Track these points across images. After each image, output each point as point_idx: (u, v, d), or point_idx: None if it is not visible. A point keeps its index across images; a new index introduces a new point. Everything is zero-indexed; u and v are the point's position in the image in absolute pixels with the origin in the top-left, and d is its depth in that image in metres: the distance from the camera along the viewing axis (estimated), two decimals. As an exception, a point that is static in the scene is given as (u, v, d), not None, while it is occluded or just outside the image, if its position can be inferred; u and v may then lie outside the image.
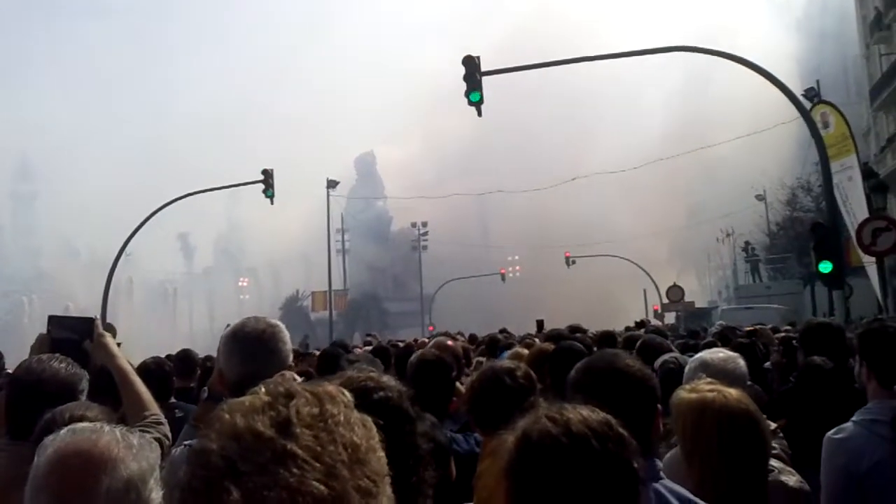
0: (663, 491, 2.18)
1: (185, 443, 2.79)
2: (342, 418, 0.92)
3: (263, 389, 0.96)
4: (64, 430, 1.75)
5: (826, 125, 20.55)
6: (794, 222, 47.83)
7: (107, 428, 1.76)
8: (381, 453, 0.95)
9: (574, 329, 9.47)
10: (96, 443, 1.69)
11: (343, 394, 0.98)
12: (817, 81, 31.97)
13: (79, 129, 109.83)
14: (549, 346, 5.64)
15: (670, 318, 39.26)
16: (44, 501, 1.65)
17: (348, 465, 0.87)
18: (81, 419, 2.17)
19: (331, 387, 0.99)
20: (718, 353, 3.53)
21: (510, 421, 1.79)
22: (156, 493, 1.73)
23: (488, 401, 3.40)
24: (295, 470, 0.83)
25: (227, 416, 0.91)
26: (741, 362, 3.49)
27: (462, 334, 15.60)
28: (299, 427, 0.88)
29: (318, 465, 0.85)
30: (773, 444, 3.20)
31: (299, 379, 1.76)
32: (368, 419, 0.97)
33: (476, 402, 3.51)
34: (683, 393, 2.62)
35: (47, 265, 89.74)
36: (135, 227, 28.62)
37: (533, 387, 3.44)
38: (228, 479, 0.83)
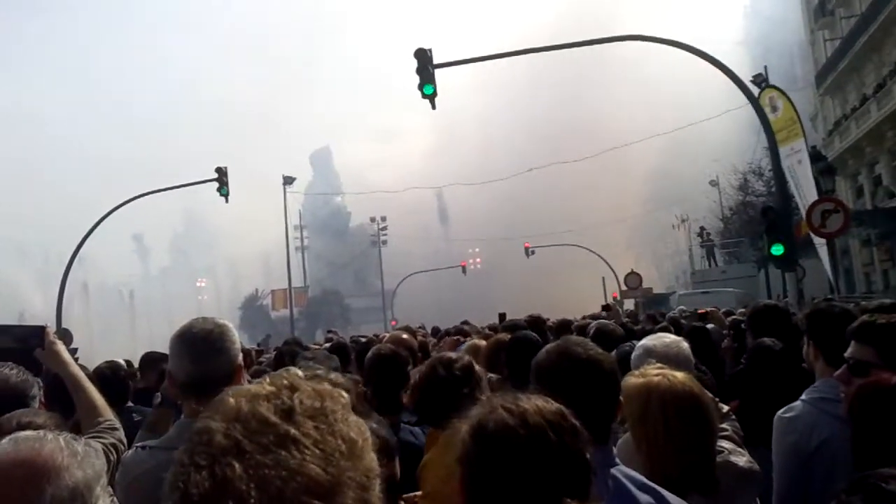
0: (620, 476, 2.20)
1: (137, 445, 2.77)
2: (340, 415, 0.96)
3: (268, 380, 1.00)
4: (6, 440, 1.72)
5: (774, 109, 20.86)
6: (747, 207, 48.67)
7: (50, 436, 1.72)
8: (373, 454, 0.98)
9: (533, 319, 9.52)
10: (39, 451, 1.66)
11: (342, 395, 1.01)
12: (765, 67, 32.41)
13: (28, 130, 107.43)
14: (506, 336, 5.68)
15: (629, 304, 39.71)
16: None
17: (346, 456, 0.90)
18: (29, 426, 2.14)
19: (331, 387, 1.02)
20: (663, 339, 3.58)
21: (449, 412, 1.80)
22: (102, 501, 1.72)
23: (427, 394, 3.42)
24: (296, 453, 0.86)
25: (231, 400, 0.94)
26: (685, 345, 3.54)
27: (424, 327, 15.61)
28: (302, 416, 0.92)
29: (318, 451, 0.88)
30: (725, 426, 3.27)
31: (251, 379, 1.76)
32: (363, 422, 1.00)
33: (418, 396, 3.53)
34: (632, 378, 2.66)
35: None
36: (87, 229, 28.11)
37: (470, 378, 3.42)
38: (232, 456, 0.85)
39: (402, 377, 4.23)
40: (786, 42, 62.84)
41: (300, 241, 65.83)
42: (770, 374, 4.51)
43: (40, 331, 3.38)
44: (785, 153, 19.84)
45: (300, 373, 1.06)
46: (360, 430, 0.98)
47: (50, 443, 1.69)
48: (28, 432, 1.76)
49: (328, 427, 0.92)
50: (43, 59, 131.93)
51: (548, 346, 2.57)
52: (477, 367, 3.53)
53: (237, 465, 0.84)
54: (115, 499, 3.06)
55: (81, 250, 28.93)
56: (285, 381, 0.99)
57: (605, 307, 19.17)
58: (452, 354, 3.75)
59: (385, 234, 70.63)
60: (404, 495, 2.79)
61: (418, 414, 3.61)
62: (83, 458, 1.70)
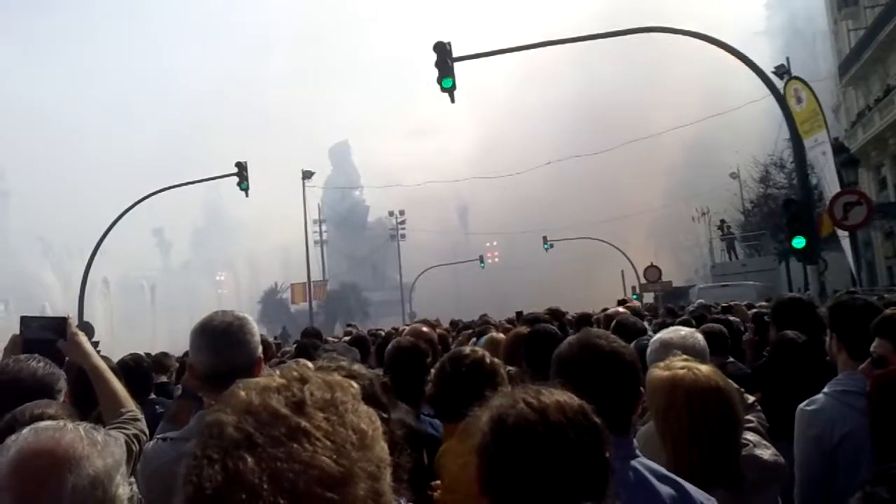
0: (640, 468, 2.19)
1: (158, 436, 2.79)
2: (351, 406, 0.96)
3: (278, 373, 1.00)
4: (27, 430, 1.73)
5: (799, 100, 20.66)
6: (768, 199, 48.24)
7: (70, 425, 1.74)
8: (384, 443, 0.98)
9: (552, 312, 9.50)
10: (60, 441, 1.67)
11: (352, 385, 1.02)
12: (787, 58, 32.15)
13: (51, 125, 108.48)
14: (525, 329, 5.66)
15: (649, 297, 39.54)
16: (8, 500, 1.63)
17: (356, 447, 0.91)
18: (41, 417, 2.15)
19: (341, 378, 1.03)
20: (679, 332, 3.56)
21: (460, 407, 1.80)
22: (123, 489, 1.73)
23: (439, 389, 3.42)
24: (308, 445, 0.87)
25: (242, 393, 0.94)
26: (699, 336, 3.52)
27: (439, 322, 15.61)
28: (312, 408, 0.92)
29: (329, 443, 0.88)
30: (750, 418, 3.25)
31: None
32: (373, 411, 1.00)
33: (433, 392, 3.53)
34: (657, 371, 2.64)
35: (23, 265, 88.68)
36: (109, 224, 28.34)
37: (479, 372, 3.40)
38: (244, 449, 0.86)
39: (422, 369, 4.23)
40: (808, 32, 62.24)
41: (319, 235, 66.06)
42: (793, 367, 4.47)
43: (62, 322, 3.42)
44: (809, 145, 19.66)
45: (310, 364, 1.06)
46: (371, 419, 0.98)
47: (70, 432, 1.70)
48: (48, 422, 1.78)
49: (339, 418, 0.93)
50: (67, 57, 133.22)
51: (569, 338, 2.55)
52: (493, 360, 3.51)
53: (249, 458, 0.85)
54: (135, 487, 3.10)
55: (103, 244, 29.17)
56: (295, 373, 0.99)
57: (622, 301, 19.11)
58: (465, 349, 3.74)
59: (403, 228, 70.72)
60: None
61: (434, 409, 3.61)
62: (103, 448, 1.71)
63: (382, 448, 0.97)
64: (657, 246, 76.10)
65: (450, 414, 3.19)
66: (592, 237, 53.84)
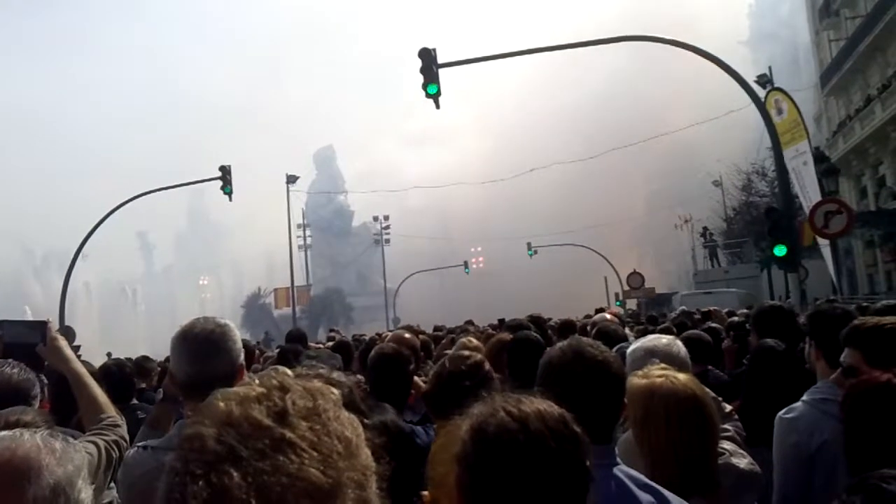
0: (621, 476, 2.20)
1: (139, 444, 2.77)
2: (332, 414, 0.94)
3: (257, 381, 0.97)
4: None
5: (780, 111, 20.86)
6: (750, 207, 48.58)
7: (27, 435, 1.71)
8: (368, 450, 0.96)
9: (534, 318, 9.52)
10: (16, 451, 1.65)
11: (332, 392, 0.99)
12: (769, 68, 32.32)
13: (33, 129, 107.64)
14: (508, 336, 5.68)
15: (632, 304, 39.70)
16: None
17: (343, 456, 0.89)
18: (17, 424, 2.13)
19: (321, 384, 1.00)
20: (660, 339, 3.58)
21: (455, 408, 1.80)
22: (85, 493, 1.71)
23: (436, 388, 3.43)
24: (294, 457, 0.84)
25: (221, 404, 0.91)
26: (680, 344, 3.54)
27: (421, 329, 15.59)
28: (296, 418, 0.89)
29: (315, 454, 0.86)
30: (727, 427, 3.27)
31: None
32: (355, 418, 0.98)
33: (430, 391, 3.54)
34: (635, 379, 2.66)
35: (2, 269, 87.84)
36: (91, 227, 28.15)
37: (477, 375, 3.43)
38: (228, 463, 0.83)
39: (405, 376, 4.24)
40: (790, 42, 62.78)
41: (303, 240, 65.86)
42: (772, 375, 4.50)
43: (42, 326, 3.39)
44: (790, 155, 19.84)
45: (289, 371, 1.04)
46: (354, 426, 0.96)
47: (26, 442, 1.68)
48: (3, 433, 1.74)
49: (323, 427, 0.91)
50: (46, 58, 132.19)
51: (561, 345, 2.54)
52: (490, 368, 3.53)
53: (235, 473, 0.82)
54: (114, 492, 3.08)
55: (85, 247, 28.97)
56: (275, 382, 0.96)
57: (600, 310, 19.21)
58: (465, 353, 3.76)
59: (388, 234, 70.63)
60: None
61: (430, 407, 3.61)
62: (62, 455, 1.69)
63: (367, 455, 0.95)
64: (640, 253, 76.67)
65: (443, 413, 3.19)
66: (576, 244, 54.06)
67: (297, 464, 0.84)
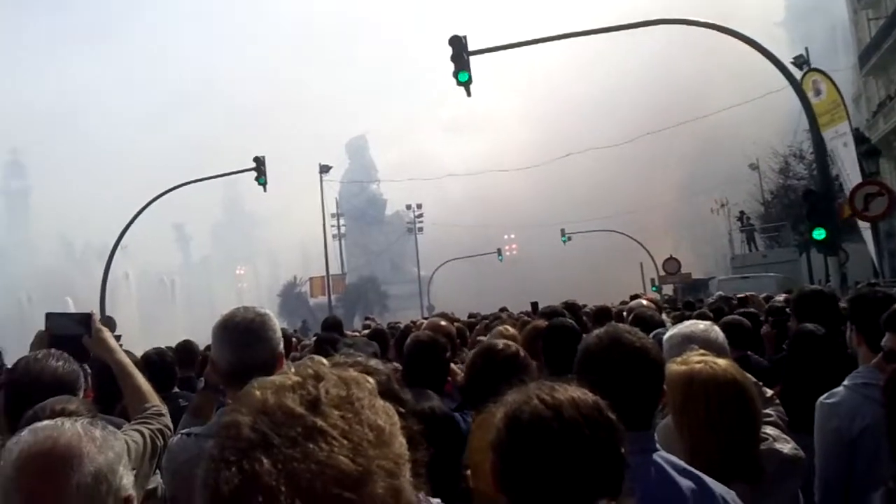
0: (661, 462, 2.20)
1: (182, 431, 2.83)
2: (366, 402, 0.95)
3: (293, 370, 0.99)
4: (25, 431, 1.76)
5: (818, 92, 20.46)
6: (788, 190, 47.78)
7: (67, 423, 1.76)
8: (402, 439, 0.97)
9: (569, 305, 9.49)
10: (58, 440, 1.70)
11: (367, 380, 1.00)
12: (806, 49, 31.87)
13: (68, 122, 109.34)
14: (543, 323, 5.67)
15: (668, 290, 39.37)
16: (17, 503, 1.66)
17: (374, 444, 0.90)
18: (63, 413, 2.18)
19: (356, 373, 1.02)
20: (698, 325, 3.55)
21: (491, 398, 1.81)
22: (126, 479, 1.76)
23: (473, 379, 3.44)
24: (324, 445, 0.86)
25: (257, 393, 0.93)
26: (718, 330, 3.51)
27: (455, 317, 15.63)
28: (328, 406, 0.91)
29: (345, 442, 0.87)
30: (769, 412, 3.24)
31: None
32: (390, 406, 0.99)
33: (466, 381, 3.55)
34: (674, 365, 2.64)
35: (44, 261, 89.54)
36: (129, 219, 28.57)
37: (514, 365, 3.44)
38: (260, 450, 0.85)
39: (442, 364, 4.26)
40: (827, 22, 61.55)
41: (337, 229, 66.19)
42: (813, 360, 4.45)
43: (87, 318, 3.46)
44: (829, 136, 19.47)
45: (325, 361, 1.05)
46: (388, 415, 0.97)
47: (68, 431, 1.72)
48: (46, 422, 1.79)
49: (355, 416, 0.91)
50: (82, 51, 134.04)
51: (598, 332, 2.52)
52: (523, 355, 3.54)
53: (265, 460, 0.84)
54: (159, 478, 3.14)
55: (123, 239, 29.42)
56: (310, 371, 0.98)
57: (634, 297, 19.09)
58: (500, 343, 3.77)
59: (421, 222, 70.69)
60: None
61: (465, 398, 3.63)
62: (102, 442, 1.74)
63: (401, 444, 0.96)
64: (676, 238, 75.77)
65: (480, 403, 3.21)
66: (611, 230, 53.63)
67: (326, 451, 0.85)
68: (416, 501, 0.96)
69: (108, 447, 1.75)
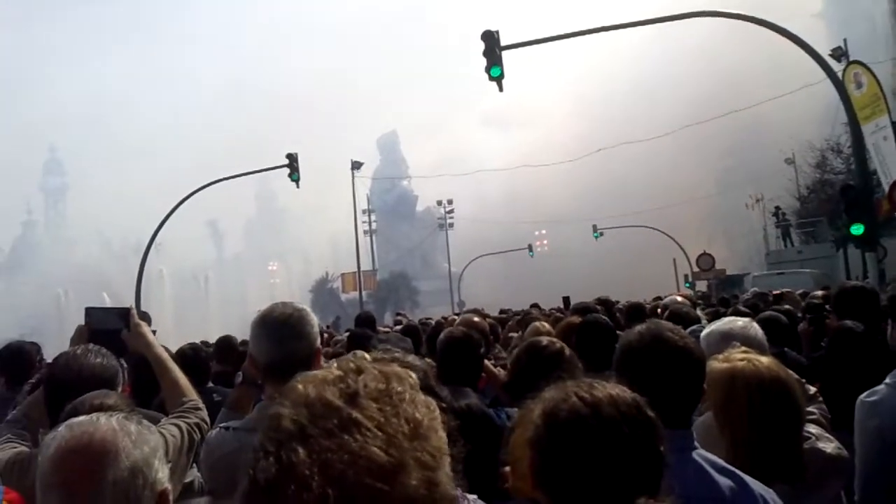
0: (700, 461, 2.18)
1: (221, 425, 2.86)
2: (406, 396, 0.97)
3: (335, 364, 1.02)
4: (61, 427, 1.78)
5: (859, 85, 20.10)
6: (825, 185, 47.10)
7: (103, 418, 1.78)
8: (443, 433, 0.98)
9: (602, 301, 9.44)
10: (94, 435, 1.72)
11: (410, 375, 1.02)
12: (844, 40, 31.25)
13: (105, 119, 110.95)
14: (577, 319, 5.64)
15: (701, 286, 38.99)
16: (54, 500, 1.69)
17: (409, 437, 0.91)
18: (101, 407, 2.21)
19: (399, 368, 1.03)
20: (736, 322, 3.50)
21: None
22: (162, 473, 1.78)
23: (518, 377, 3.43)
24: (358, 436, 0.88)
25: (300, 386, 0.97)
26: (757, 327, 3.46)
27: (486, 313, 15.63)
28: (366, 399, 0.93)
29: (380, 433, 0.89)
30: (812, 409, 3.19)
31: (328, 362, 1.79)
32: (432, 401, 1.01)
33: (510, 379, 3.54)
34: (715, 363, 2.60)
35: (81, 257, 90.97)
36: (164, 216, 28.94)
37: (559, 362, 3.43)
38: (297, 440, 0.88)
39: (476, 360, 4.24)
40: (867, 13, 60.42)
41: (368, 225, 66.46)
42: (852, 357, 4.38)
43: (126, 313, 3.51)
44: (870, 130, 19.12)
45: (367, 356, 1.07)
46: (429, 409, 0.98)
47: (103, 426, 1.75)
48: (82, 417, 1.82)
49: (392, 409, 0.93)
50: (119, 48, 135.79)
51: (640, 329, 2.49)
52: (568, 352, 3.53)
53: (301, 450, 0.86)
54: (195, 471, 3.17)
55: (158, 236, 29.82)
56: (352, 365, 1.00)
57: (657, 300, 18.96)
58: (543, 340, 3.76)
59: (452, 217, 70.71)
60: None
61: (510, 394, 3.61)
62: (137, 437, 1.76)
63: (440, 438, 0.97)
64: (710, 233, 74.76)
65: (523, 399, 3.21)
66: (644, 225, 53.20)
67: (360, 442, 0.87)
68: (455, 495, 0.96)
69: (144, 441, 1.76)
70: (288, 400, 0.95)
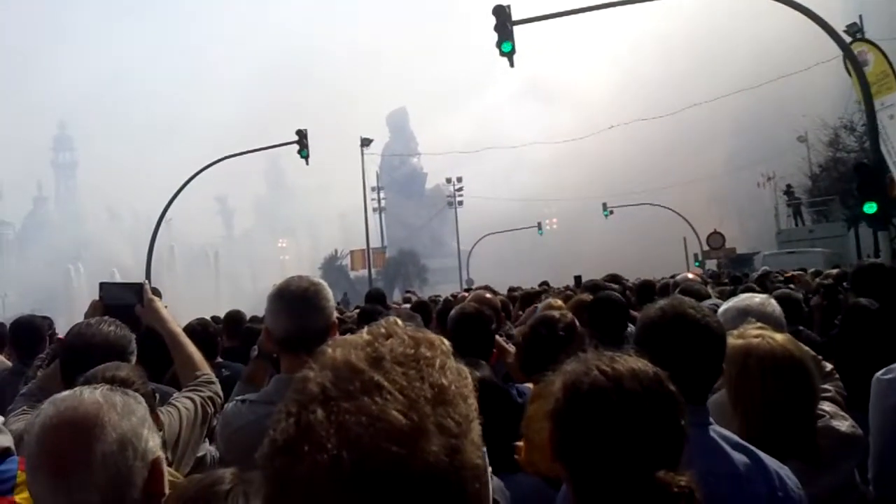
0: (715, 437, 2.18)
1: (237, 398, 2.87)
2: (435, 362, 0.94)
3: (366, 329, 1.00)
4: (46, 403, 1.74)
5: (864, 63, 19.92)
6: (837, 163, 46.74)
7: (86, 393, 1.74)
8: (473, 401, 0.95)
9: (612, 278, 9.42)
10: (77, 410, 1.68)
11: (443, 342, 0.99)
12: (860, 16, 30.87)
13: (114, 96, 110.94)
14: (588, 296, 5.63)
15: (711, 265, 38.90)
16: (43, 479, 1.66)
17: (432, 402, 0.89)
18: (114, 379, 2.21)
19: (432, 334, 1.01)
20: (754, 298, 3.47)
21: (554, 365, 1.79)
22: (153, 442, 1.75)
23: (530, 351, 3.42)
24: (378, 399, 0.86)
25: (329, 350, 0.96)
26: (775, 304, 3.44)
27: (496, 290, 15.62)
28: (391, 363, 0.91)
29: (401, 397, 0.87)
30: (828, 387, 3.17)
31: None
32: (465, 369, 0.98)
33: (522, 354, 3.54)
34: (730, 339, 2.58)
35: (91, 232, 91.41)
36: (174, 192, 28.98)
37: (573, 336, 3.43)
38: (317, 402, 0.87)
39: (487, 336, 4.23)
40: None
41: (378, 203, 66.41)
42: (866, 335, 4.35)
43: (140, 288, 3.52)
44: (875, 107, 18.98)
45: (399, 321, 1.05)
46: (460, 375, 0.96)
47: (87, 399, 1.71)
48: (65, 393, 1.77)
49: (417, 373, 0.91)
50: (128, 24, 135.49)
51: (661, 304, 2.46)
52: (579, 327, 3.53)
53: (320, 411, 0.85)
54: (207, 445, 3.19)
55: (168, 212, 29.87)
56: (382, 330, 0.98)
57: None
58: (555, 314, 3.75)
59: (461, 195, 70.57)
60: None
61: (524, 370, 3.62)
62: (123, 408, 1.72)
63: (469, 406, 0.94)
64: (721, 212, 74.41)
65: (535, 370, 3.20)
66: (654, 203, 53.00)
67: (379, 405, 0.86)
68: (480, 465, 0.93)
69: (131, 412, 1.74)
70: (317, 364, 0.94)
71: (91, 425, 1.66)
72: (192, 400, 2.98)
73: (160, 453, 1.79)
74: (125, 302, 3.43)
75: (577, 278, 15.36)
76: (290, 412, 0.88)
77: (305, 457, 0.83)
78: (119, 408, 1.72)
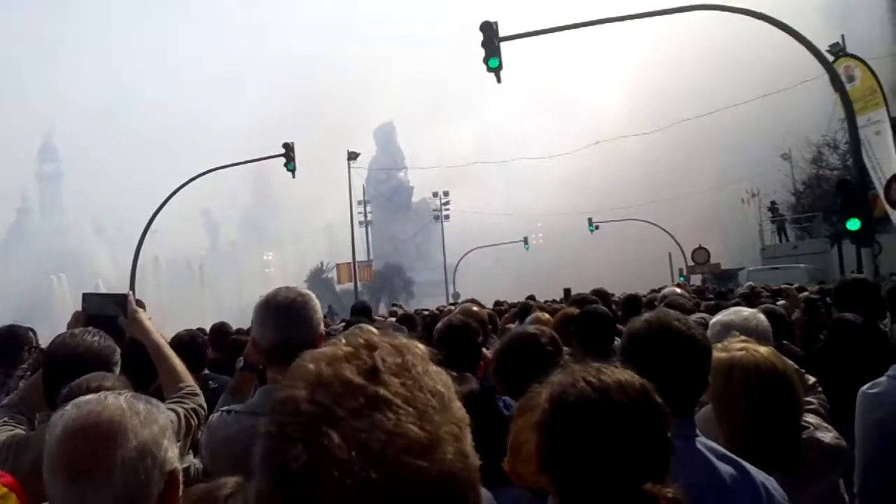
0: (702, 448, 2.18)
1: (223, 408, 2.85)
2: (422, 368, 0.92)
3: (343, 340, 0.95)
4: (69, 406, 1.74)
5: (851, 79, 20.13)
6: (821, 180, 47.16)
7: (111, 398, 1.74)
8: (459, 403, 0.94)
9: (598, 293, 9.44)
10: (101, 414, 1.69)
11: (418, 346, 0.97)
12: (842, 36, 31.24)
13: (99, 107, 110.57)
14: (575, 310, 5.64)
15: (696, 280, 39.07)
16: (61, 480, 1.66)
17: (438, 410, 0.88)
18: (99, 389, 2.19)
19: (406, 339, 0.98)
20: (740, 313, 3.50)
21: (530, 383, 1.79)
22: (171, 453, 1.75)
23: (515, 365, 3.42)
24: (390, 414, 0.84)
25: (310, 365, 0.90)
26: (762, 317, 3.46)
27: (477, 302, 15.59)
28: (387, 375, 0.88)
29: (411, 409, 0.85)
30: (811, 399, 3.18)
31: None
32: (443, 371, 0.96)
33: (503, 366, 3.53)
34: (715, 352, 2.60)
35: (76, 243, 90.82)
36: (159, 204, 28.86)
37: (559, 352, 3.43)
38: (324, 423, 0.83)
39: (474, 348, 4.23)
40: (865, 9, 60.39)
41: (364, 216, 66.37)
42: (850, 350, 4.38)
43: (123, 298, 3.49)
44: (861, 123, 19.17)
45: (373, 329, 1.01)
46: (444, 380, 0.94)
47: (111, 405, 1.71)
48: (89, 396, 1.78)
49: (414, 382, 0.89)
50: (114, 36, 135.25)
51: (647, 317, 2.48)
52: (559, 342, 3.53)
53: (333, 433, 0.81)
54: (191, 457, 3.16)
55: (153, 224, 29.73)
56: (361, 340, 0.94)
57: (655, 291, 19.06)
58: (534, 329, 3.75)
59: (447, 209, 70.66)
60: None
61: (504, 384, 3.62)
62: (146, 416, 1.72)
63: (459, 408, 0.93)
64: (705, 228, 74.78)
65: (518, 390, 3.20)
66: (639, 219, 53.24)
67: (393, 420, 0.83)
68: (479, 464, 0.92)
69: (152, 421, 1.74)
70: (299, 381, 0.88)
71: (114, 431, 1.67)
72: (176, 411, 2.95)
73: (178, 465, 1.78)
74: (109, 313, 3.40)
75: (567, 291, 15.39)
76: (291, 436, 0.83)
77: (334, 483, 0.80)
78: (142, 415, 1.72)
